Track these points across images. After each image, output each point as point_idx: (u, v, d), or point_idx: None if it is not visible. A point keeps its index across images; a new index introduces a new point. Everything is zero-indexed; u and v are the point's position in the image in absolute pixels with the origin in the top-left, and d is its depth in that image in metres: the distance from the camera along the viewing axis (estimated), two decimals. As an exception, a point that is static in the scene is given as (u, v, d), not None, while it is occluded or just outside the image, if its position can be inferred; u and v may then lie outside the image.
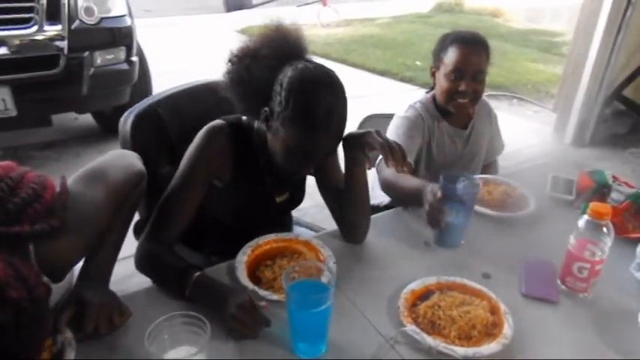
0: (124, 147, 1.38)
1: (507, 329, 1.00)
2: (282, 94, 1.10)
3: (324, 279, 0.95)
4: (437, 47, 1.63)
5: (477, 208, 1.41)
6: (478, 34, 1.61)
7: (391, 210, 1.49)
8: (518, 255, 1.25)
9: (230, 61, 1.21)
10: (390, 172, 1.44)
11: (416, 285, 1.11)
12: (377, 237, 1.32)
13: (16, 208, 0.76)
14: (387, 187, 1.51)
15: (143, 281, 1.16)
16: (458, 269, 1.18)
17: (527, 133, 4.39)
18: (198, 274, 1.06)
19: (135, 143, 1.37)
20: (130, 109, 1.42)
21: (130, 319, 1.00)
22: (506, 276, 1.19)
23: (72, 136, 3.83)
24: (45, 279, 0.81)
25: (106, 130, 3.82)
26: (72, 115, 3.77)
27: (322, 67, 1.14)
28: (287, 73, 1.11)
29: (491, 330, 1.01)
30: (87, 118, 3.90)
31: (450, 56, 1.56)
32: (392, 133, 1.63)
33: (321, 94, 1.08)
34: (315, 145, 1.11)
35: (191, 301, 1.03)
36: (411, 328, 0.99)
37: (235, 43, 1.22)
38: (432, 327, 1.01)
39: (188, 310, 0.85)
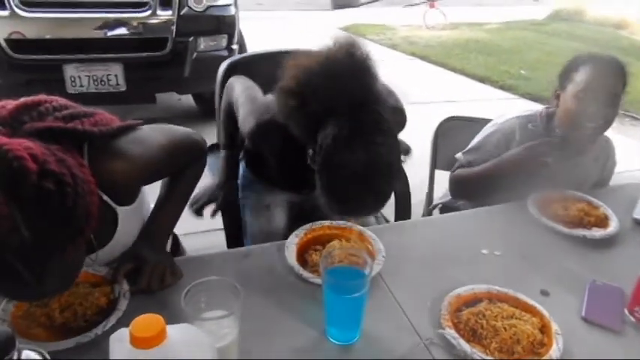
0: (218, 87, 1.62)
1: (555, 351, 0.93)
2: (318, 159, 1.05)
3: (366, 269, 0.95)
4: (566, 67, 1.49)
5: (548, 222, 1.34)
6: (616, 58, 1.47)
7: (450, 214, 1.45)
8: (585, 277, 1.15)
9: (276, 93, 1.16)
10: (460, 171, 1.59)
11: (463, 290, 1.07)
12: (432, 238, 1.29)
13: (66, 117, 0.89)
14: (460, 181, 1.60)
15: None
16: (514, 282, 1.11)
17: (635, 156, 4.00)
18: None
19: (222, 87, 1.54)
20: (229, 58, 1.70)
21: (181, 279, 1.07)
22: (566, 296, 1.10)
23: (173, 115, 4.12)
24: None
25: (204, 112, 4.05)
26: (175, 95, 4.07)
27: (369, 145, 1.01)
28: (325, 134, 1.03)
29: (537, 349, 0.95)
30: (188, 100, 4.17)
31: (583, 74, 1.42)
32: (479, 136, 1.65)
33: (352, 180, 1.01)
34: (352, 214, 1.13)
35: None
36: (449, 332, 0.96)
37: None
38: (473, 335, 0.97)
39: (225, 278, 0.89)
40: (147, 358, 0.61)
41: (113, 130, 1.00)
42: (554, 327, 0.98)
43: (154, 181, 1.16)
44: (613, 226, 1.33)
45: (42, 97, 0.95)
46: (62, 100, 0.97)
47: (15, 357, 0.59)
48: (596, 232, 1.31)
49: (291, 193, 1.50)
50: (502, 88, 5.62)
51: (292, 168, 1.25)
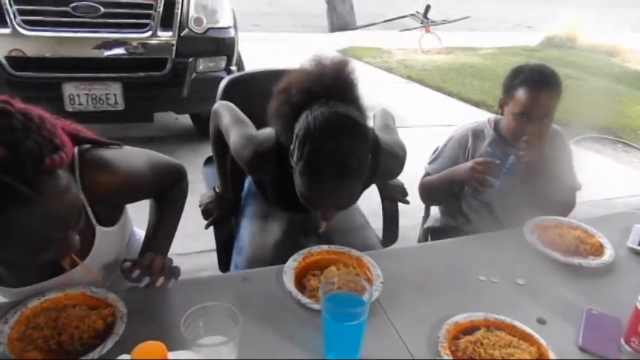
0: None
1: (553, 380, 0.93)
2: (296, 142, 1.11)
3: (365, 296, 0.96)
4: (507, 81, 1.62)
5: (545, 249, 1.35)
6: (549, 72, 1.59)
7: (447, 240, 1.45)
8: (581, 305, 1.16)
9: (273, 95, 1.24)
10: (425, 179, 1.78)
11: (461, 318, 1.07)
12: (429, 265, 1.29)
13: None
14: (423, 187, 1.77)
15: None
16: (511, 309, 1.11)
17: (628, 182, 4.04)
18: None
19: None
20: (229, 75, 1.78)
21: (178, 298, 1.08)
22: (563, 325, 1.11)
23: (170, 134, 4.14)
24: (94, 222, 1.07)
25: (200, 131, 4.06)
26: (173, 115, 4.08)
27: (338, 114, 1.09)
28: (303, 120, 1.11)
29: (534, 378, 0.95)
30: (185, 119, 4.19)
31: (520, 98, 1.56)
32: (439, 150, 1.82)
33: (329, 145, 1.06)
34: (322, 194, 1.12)
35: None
36: (447, 359, 0.96)
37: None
38: (471, 364, 0.97)
39: (224, 302, 0.89)
40: (148, 385, 0.61)
41: (102, 141, 1.08)
42: (552, 356, 0.98)
43: (136, 199, 1.20)
44: (608, 255, 1.34)
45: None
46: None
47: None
48: (592, 261, 1.32)
49: (290, 213, 1.51)
50: (497, 112, 5.65)
51: (288, 192, 1.27)
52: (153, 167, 1.20)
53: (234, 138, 1.35)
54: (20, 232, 0.85)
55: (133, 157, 1.15)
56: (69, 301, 1.04)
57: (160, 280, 1.07)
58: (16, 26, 2.88)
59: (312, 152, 1.08)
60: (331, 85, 1.15)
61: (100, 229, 1.11)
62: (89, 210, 1.07)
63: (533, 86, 1.55)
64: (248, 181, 1.68)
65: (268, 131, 1.32)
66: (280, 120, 1.21)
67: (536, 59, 8.61)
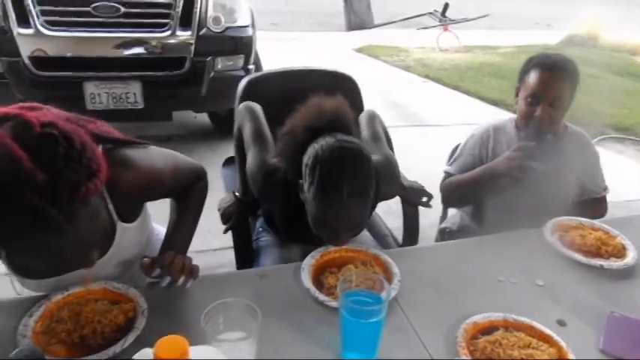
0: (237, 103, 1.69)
1: (573, 383, 0.92)
2: (307, 171, 1.16)
3: (383, 294, 0.96)
4: (521, 69, 1.61)
5: (565, 250, 1.33)
6: (564, 59, 1.57)
7: (467, 239, 1.45)
8: (603, 308, 1.14)
9: (279, 138, 1.30)
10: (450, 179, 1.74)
11: (480, 318, 1.06)
12: (447, 264, 1.29)
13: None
14: (449, 189, 1.72)
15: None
16: (530, 310, 1.10)
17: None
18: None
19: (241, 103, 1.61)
20: (248, 75, 1.78)
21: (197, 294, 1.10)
22: (584, 327, 1.09)
23: (189, 132, 4.17)
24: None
25: (218, 129, 4.10)
26: (191, 113, 4.12)
27: (344, 141, 1.16)
28: (311, 150, 1.16)
29: (554, 380, 0.94)
30: (203, 118, 4.22)
31: (530, 80, 1.55)
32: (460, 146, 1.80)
33: (338, 167, 1.12)
34: (334, 215, 1.15)
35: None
36: (465, 359, 0.95)
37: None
38: (489, 364, 0.97)
39: (243, 299, 0.90)
40: (169, 378, 0.62)
41: (130, 140, 1.10)
42: (572, 358, 0.97)
43: (156, 197, 1.22)
44: (631, 257, 1.32)
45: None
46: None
47: (43, 375, 0.60)
48: (614, 263, 1.30)
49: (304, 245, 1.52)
50: (516, 112, 5.60)
51: (298, 224, 1.32)
52: (174, 167, 1.22)
53: (250, 158, 1.39)
54: (44, 254, 0.87)
55: (156, 156, 1.18)
56: (91, 296, 1.06)
57: (181, 280, 1.09)
58: (39, 27, 2.93)
59: (322, 174, 1.13)
60: (332, 120, 1.23)
61: (120, 225, 1.13)
62: (111, 206, 1.09)
63: (542, 68, 1.54)
64: (260, 221, 1.71)
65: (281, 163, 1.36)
66: (287, 158, 1.27)
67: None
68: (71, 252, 0.89)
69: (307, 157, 1.17)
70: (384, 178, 1.29)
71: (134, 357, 0.68)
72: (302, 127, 1.24)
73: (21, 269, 1.09)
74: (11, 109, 0.90)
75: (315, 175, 1.13)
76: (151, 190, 1.15)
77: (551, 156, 1.53)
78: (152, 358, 0.64)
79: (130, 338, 0.94)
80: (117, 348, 0.92)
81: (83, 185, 0.85)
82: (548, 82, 1.52)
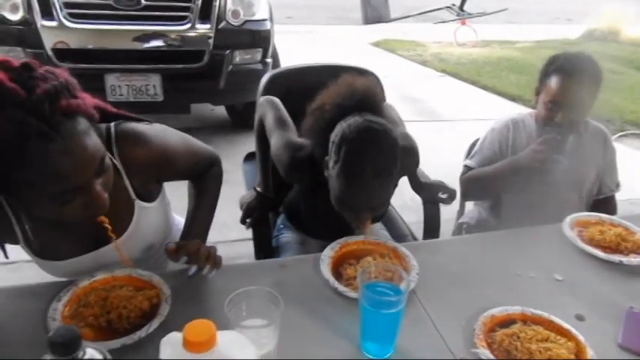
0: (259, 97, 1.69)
1: (591, 377, 0.93)
2: (333, 148, 1.17)
3: (403, 285, 0.97)
4: (543, 69, 1.60)
5: (584, 246, 1.33)
6: (586, 62, 1.55)
7: (485, 233, 1.45)
8: (621, 303, 1.14)
9: (309, 113, 1.32)
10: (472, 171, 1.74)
11: (498, 311, 1.07)
12: (465, 257, 1.29)
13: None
14: (469, 182, 1.73)
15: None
16: (549, 305, 1.10)
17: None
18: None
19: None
20: (270, 71, 1.81)
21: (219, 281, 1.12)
22: (602, 322, 1.10)
23: (206, 125, 4.21)
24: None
25: (236, 122, 4.13)
26: (209, 106, 4.16)
27: (371, 121, 1.16)
28: (339, 128, 1.17)
29: (572, 374, 0.95)
30: (221, 111, 4.26)
31: (551, 85, 1.54)
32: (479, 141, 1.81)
33: (364, 146, 1.13)
34: (358, 193, 1.16)
35: None
36: (483, 352, 0.96)
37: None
38: (507, 356, 0.97)
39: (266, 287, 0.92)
40: (197, 360, 0.64)
41: (131, 116, 1.14)
42: (590, 353, 0.97)
43: (172, 175, 1.24)
44: (651, 253, 1.32)
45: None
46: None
47: (80, 356, 0.62)
48: (634, 259, 1.29)
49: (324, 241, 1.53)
50: (534, 107, 5.54)
51: (321, 208, 1.33)
52: (188, 147, 1.25)
53: (274, 141, 1.40)
54: (41, 171, 0.87)
55: (166, 132, 1.20)
56: (117, 282, 1.09)
57: (207, 269, 1.11)
58: (62, 19, 2.98)
59: (348, 153, 1.14)
60: (362, 100, 1.24)
61: (138, 204, 1.15)
62: (127, 183, 1.12)
63: (564, 75, 1.52)
64: (281, 218, 1.72)
65: (307, 141, 1.37)
66: (315, 134, 1.29)
67: (576, 53, 8.36)
68: (68, 172, 0.89)
69: (334, 135, 1.19)
70: (406, 151, 1.30)
71: (162, 340, 0.70)
72: (332, 104, 1.26)
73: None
74: None
75: (341, 153, 1.15)
76: (165, 165, 1.16)
77: (572, 151, 1.52)
78: (180, 341, 0.66)
79: (155, 324, 0.97)
80: (142, 333, 0.95)
81: (63, 98, 0.88)
82: (569, 90, 1.51)
